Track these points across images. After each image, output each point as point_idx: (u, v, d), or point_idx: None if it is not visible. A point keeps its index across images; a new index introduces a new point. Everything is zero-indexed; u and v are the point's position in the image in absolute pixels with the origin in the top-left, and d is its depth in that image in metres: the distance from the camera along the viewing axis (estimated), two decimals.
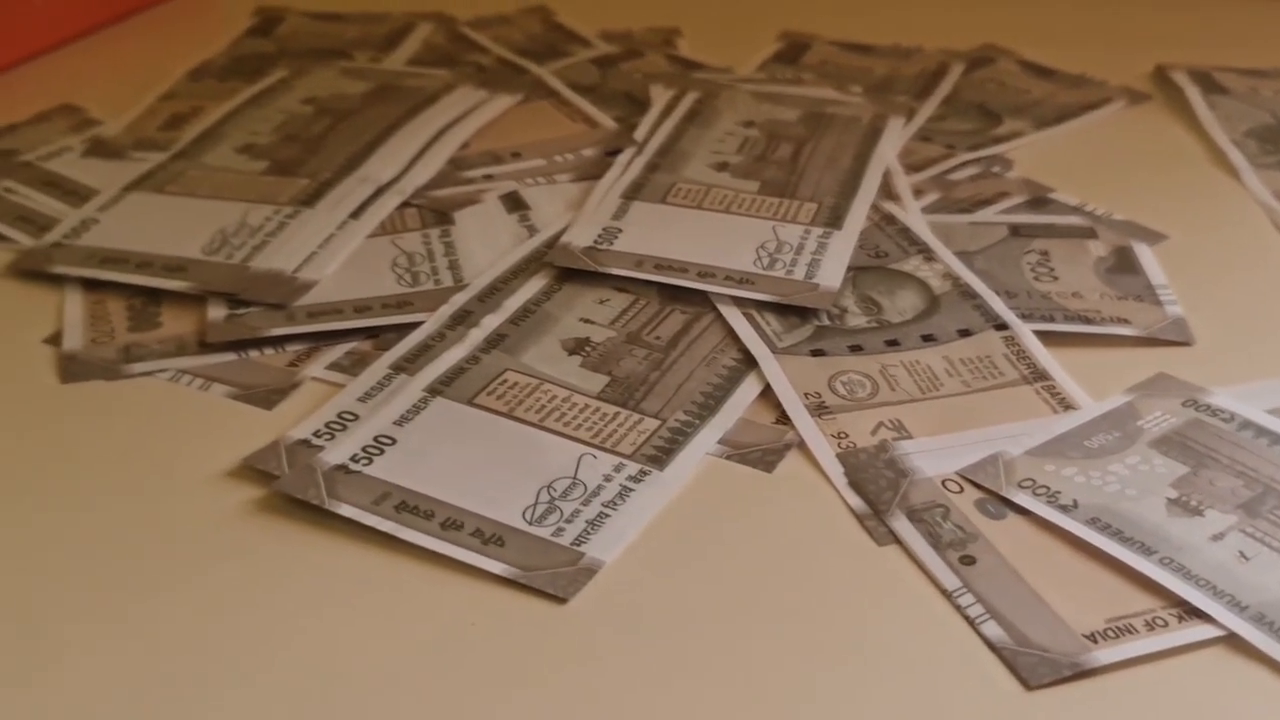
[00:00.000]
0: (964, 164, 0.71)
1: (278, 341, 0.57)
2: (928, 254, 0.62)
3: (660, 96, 0.76)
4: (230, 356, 0.57)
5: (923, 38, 0.86)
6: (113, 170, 0.69)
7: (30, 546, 0.47)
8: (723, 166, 0.69)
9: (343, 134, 0.71)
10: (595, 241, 0.62)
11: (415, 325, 0.58)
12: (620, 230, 0.63)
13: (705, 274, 0.60)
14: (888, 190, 0.68)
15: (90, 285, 0.61)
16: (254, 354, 0.57)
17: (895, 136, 0.72)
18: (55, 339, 0.58)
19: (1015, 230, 0.65)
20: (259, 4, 0.90)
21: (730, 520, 0.49)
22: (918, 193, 0.68)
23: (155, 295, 0.60)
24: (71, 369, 0.56)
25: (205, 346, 0.57)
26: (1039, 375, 0.55)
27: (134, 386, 0.55)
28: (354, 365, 0.56)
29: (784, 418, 0.53)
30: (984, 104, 0.78)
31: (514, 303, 0.58)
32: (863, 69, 0.82)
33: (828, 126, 0.73)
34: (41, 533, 0.48)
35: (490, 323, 0.57)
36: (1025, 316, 0.58)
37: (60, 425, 0.53)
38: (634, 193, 0.66)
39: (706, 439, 0.52)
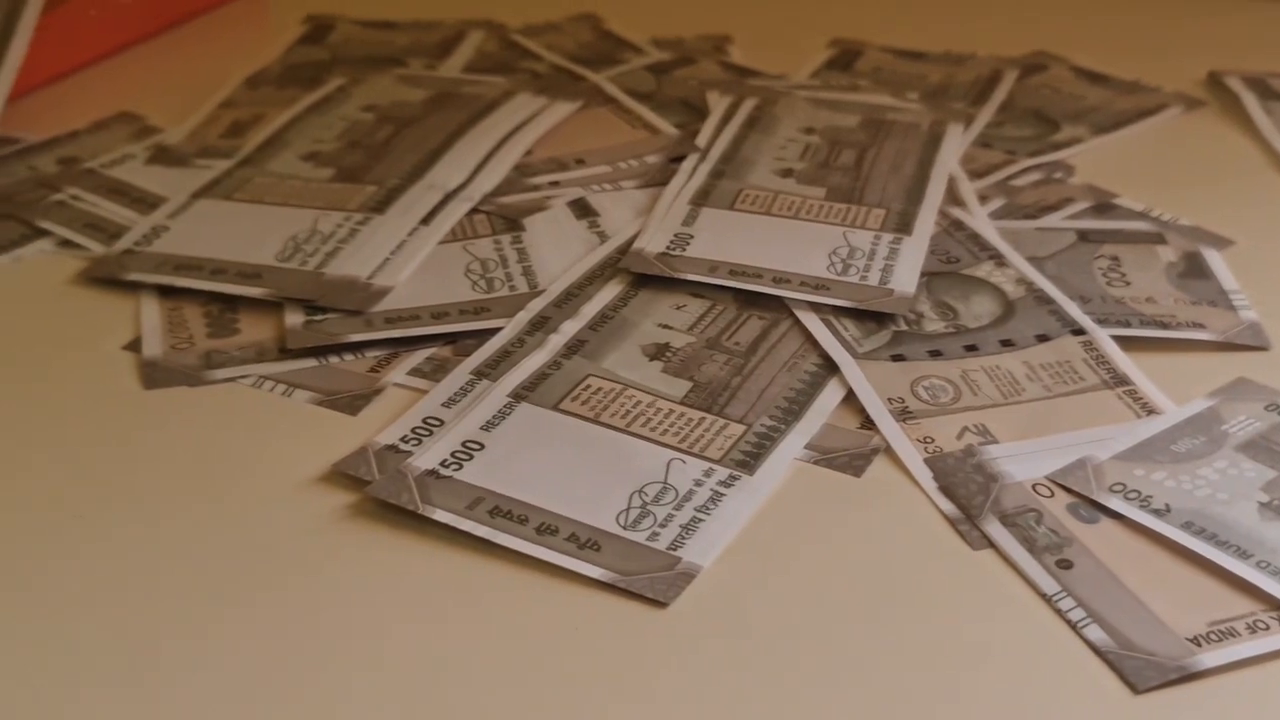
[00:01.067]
0: (1026, 170, 0.71)
1: (357, 347, 0.57)
2: (999, 259, 0.62)
3: (718, 103, 0.76)
4: (311, 362, 0.57)
5: (973, 44, 0.86)
6: (178, 177, 0.70)
7: (123, 554, 0.48)
8: (787, 173, 0.69)
9: (407, 141, 0.71)
10: (668, 247, 0.62)
11: (493, 331, 0.58)
12: (691, 236, 0.63)
13: (780, 279, 0.60)
14: (953, 196, 0.68)
15: (165, 292, 0.61)
16: (334, 360, 0.57)
17: (956, 143, 0.72)
18: (134, 345, 0.58)
19: (1083, 236, 0.65)
20: (309, 12, 0.90)
21: (823, 524, 0.49)
22: (982, 199, 0.68)
23: (231, 301, 0.60)
24: (154, 375, 0.56)
25: (285, 352, 0.57)
26: (1119, 380, 0.55)
27: (217, 392, 0.55)
28: (435, 371, 0.56)
29: (868, 423, 0.53)
30: (1040, 110, 0.78)
31: (591, 309, 0.59)
32: (917, 75, 0.82)
33: (888, 133, 0.73)
34: (133, 540, 0.48)
35: (569, 328, 0.57)
36: (1101, 321, 0.58)
37: (146, 431, 0.53)
38: (702, 199, 0.66)
39: (793, 444, 0.52)
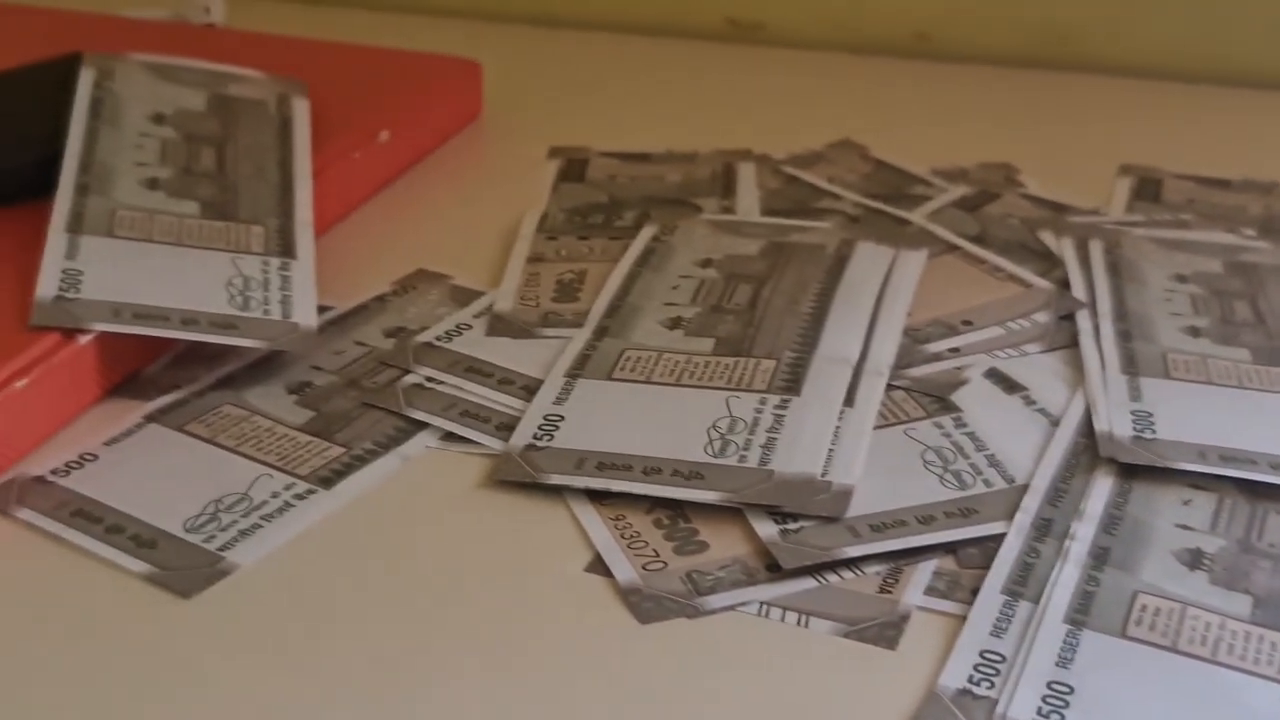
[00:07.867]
0: None
1: (854, 563, 0.51)
2: None
3: (1062, 247, 0.71)
4: (808, 583, 0.51)
5: (1258, 170, 0.82)
6: (528, 351, 0.63)
7: None
8: (1195, 331, 0.64)
9: (774, 304, 0.65)
10: (1135, 428, 0.57)
11: (988, 537, 0.52)
12: (1150, 414, 0.58)
13: (1277, 466, 0.55)
14: None
15: (594, 496, 0.55)
16: (833, 578, 0.51)
17: None
18: (596, 566, 0.52)
19: None
20: (551, 145, 0.85)
21: None
22: None
23: (678, 507, 0.54)
24: (646, 608, 0.50)
25: (775, 571, 0.51)
26: None
27: (721, 624, 0.49)
28: (950, 589, 0.50)
29: None
30: None
31: (1094, 507, 0.53)
32: (1234, 207, 0.78)
33: (1261, 278, 0.69)
34: None
35: (1083, 533, 0.52)
36: None
37: (678, 679, 0.47)
38: (1130, 367, 0.61)
39: None
